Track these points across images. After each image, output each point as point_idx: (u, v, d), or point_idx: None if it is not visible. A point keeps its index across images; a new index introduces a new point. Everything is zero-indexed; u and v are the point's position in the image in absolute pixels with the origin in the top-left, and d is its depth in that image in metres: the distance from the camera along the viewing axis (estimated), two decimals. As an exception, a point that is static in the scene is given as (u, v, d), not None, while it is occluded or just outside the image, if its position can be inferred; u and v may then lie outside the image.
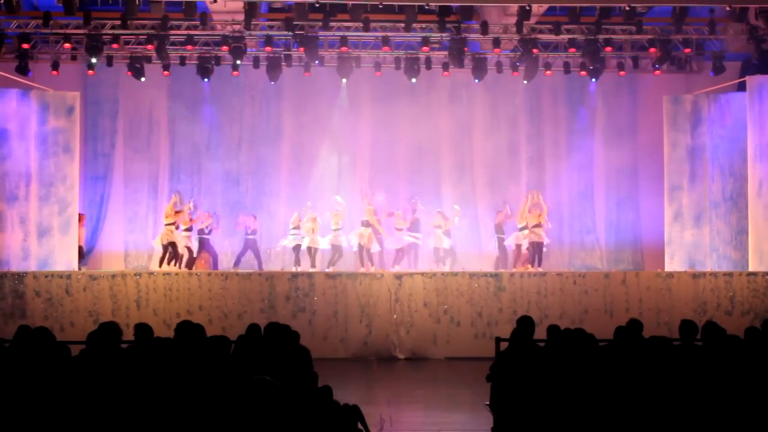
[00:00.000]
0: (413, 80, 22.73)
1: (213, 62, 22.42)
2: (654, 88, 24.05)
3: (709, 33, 21.43)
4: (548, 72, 23.10)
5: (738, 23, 20.61)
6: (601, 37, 21.65)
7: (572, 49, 22.12)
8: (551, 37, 21.81)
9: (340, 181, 24.22)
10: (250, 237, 22.41)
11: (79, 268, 21.61)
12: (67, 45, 21.76)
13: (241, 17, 20.59)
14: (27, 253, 21.99)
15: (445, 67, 22.53)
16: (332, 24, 20.85)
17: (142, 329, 9.14)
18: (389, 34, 21.70)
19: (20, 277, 19.71)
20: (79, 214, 22.69)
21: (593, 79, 23.12)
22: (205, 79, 22.59)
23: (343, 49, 21.79)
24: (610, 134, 24.84)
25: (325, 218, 22.10)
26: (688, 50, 22.25)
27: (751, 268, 21.15)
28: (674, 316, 19.20)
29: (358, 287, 19.91)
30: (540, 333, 9.87)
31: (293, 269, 21.28)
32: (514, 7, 20.20)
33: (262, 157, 24.55)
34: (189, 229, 22.02)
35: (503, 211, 22.98)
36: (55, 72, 22.18)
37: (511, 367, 8.97)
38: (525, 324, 9.51)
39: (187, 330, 9.60)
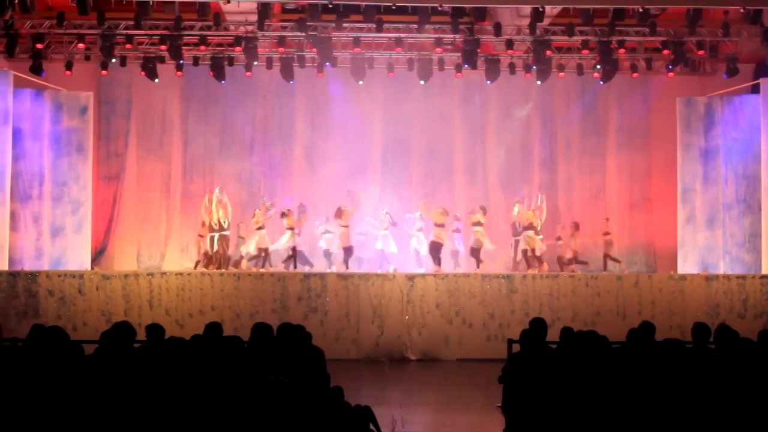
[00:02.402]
0: (422, 82, 22.69)
1: (226, 62, 22.44)
2: (667, 89, 23.99)
3: (723, 35, 21.33)
4: (561, 73, 23.06)
5: (752, 25, 20.53)
6: (614, 38, 21.58)
7: (585, 51, 22.04)
8: (564, 38, 21.75)
9: (352, 182, 24.19)
10: None
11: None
12: (80, 45, 21.81)
13: (254, 18, 20.61)
14: (40, 252, 22.11)
15: (458, 68, 22.50)
16: (345, 25, 20.86)
17: (154, 330, 9.16)
18: (402, 35, 21.71)
19: (33, 276, 19.77)
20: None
21: (601, 82, 23.02)
22: (222, 81, 22.60)
23: (356, 50, 21.79)
24: (622, 136, 24.82)
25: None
26: (701, 52, 22.20)
27: (764, 271, 21.08)
28: (687, 318, 19.15)
29: (370, 288, 19.91)
30: (552, 335, 9.85)
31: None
32: (527, 9, 20.17)
33: (274, 158, 24.59)
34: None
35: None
36: (68, 72, 22.21)
37: (523, 369, 8.96)
38: (537, 326, 9.50)
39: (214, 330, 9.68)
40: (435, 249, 21.71)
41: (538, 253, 22.04)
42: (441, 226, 21.83)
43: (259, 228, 22.03)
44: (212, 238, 21.74)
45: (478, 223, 22.19)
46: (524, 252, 22.15)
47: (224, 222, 21.85)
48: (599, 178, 24.89)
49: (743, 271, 21.52)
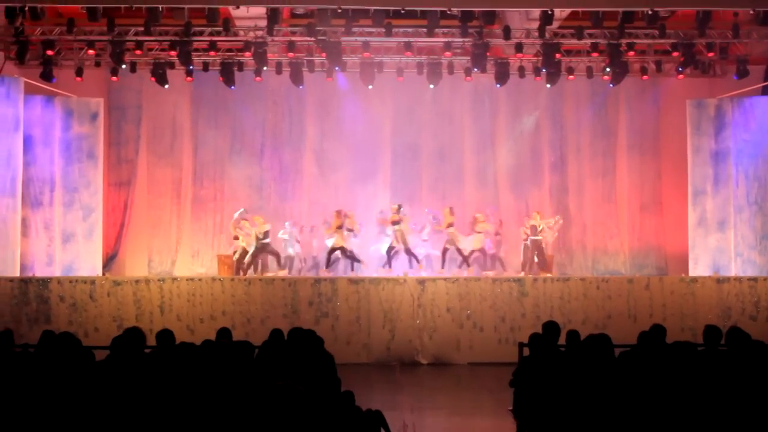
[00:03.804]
0: (431, 86, 22.72)
1: (236, 68, 22.47)
2: (677, 92, 23.95)
3: (733, 37, 21.28)
4: (571, 76, 23.03)
5: (762, 27, 20.48)
6: (623, 41, 21.56)
7: (595, 54, 22.01)
8: (574, 41, 21.74)
9: (362, 187, 24.21)
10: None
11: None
12: (90, 51, 21.87)
13: (263, 23, 20.63)
14: (51, 258, 22.16)
15: (468, 72, 22.50)
16: (354, 29, 20.85)
17: (164, 336, 9.17)
18: (411, 39, 21.72)
19: (45, 282, 19.79)
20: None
21: (611, 84, 23.02)
22: (232, 86, 22.62)
23: (366, 54, 21.81)
24: (633, 138, 24.79)
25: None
26: (711, 54, 22.15)
27: (775, 273, 21.06)
28: (698, 321, 19.07)
29: (381, 292, 19.89)
30: (563, 338, 9.85)
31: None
32: (536, 12, 20.17)
33: (284, 163, 24.62)
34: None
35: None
36: (79, 78, 22.29)
37: (533, 372, 8.95)
38: (551, 329, 9.49)
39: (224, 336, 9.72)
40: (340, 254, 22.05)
41: (465, 253, 22.30)
42: (345, 230, 22.00)
43: (339, 227, 22.07)
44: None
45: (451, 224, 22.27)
46: (454, 251, 22.32)
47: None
48: (610, 181, 24.86)
49: (755, 273, 21.45)
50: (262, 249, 21.77)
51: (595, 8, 19.95)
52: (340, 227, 21.91)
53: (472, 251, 22.54)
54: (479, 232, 22.50)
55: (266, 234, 21.71)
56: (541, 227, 22.35)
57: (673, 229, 24.26)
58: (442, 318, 19.85)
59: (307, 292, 19.77)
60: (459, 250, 22.27)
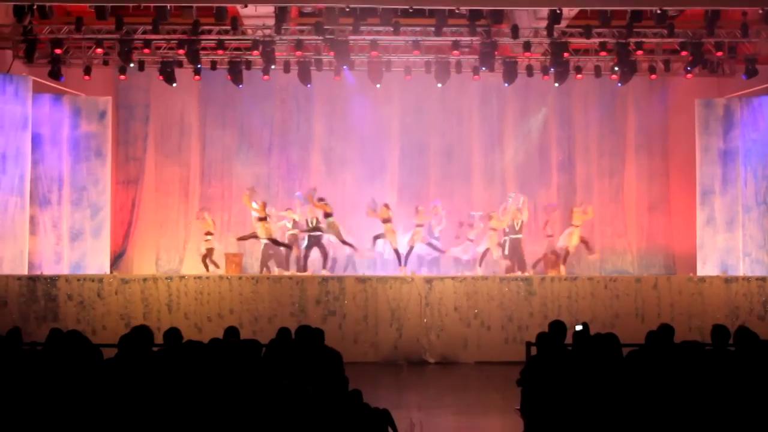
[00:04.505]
0: (439, 85, 22.68)
1: (244, 66, 22.46)
2: (686, 91, 23.90)
3: (742, 36, 21.23)
4: (579, 76, 22.99)
5: (771, 26, 20.47)
6: (632, 40, 21.51)
7: (603, 53, 21.98)
8: (582, 40, 21.70)
9: (370, 185, 24.20)
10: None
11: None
12: (99, 50, 21.87)
13: (271, 22, 20.65)
14: (59, 256, 22.20)
15: (476, 70, 22.47)
16: (362, 28, 20.83)
17: (171, 335, 9.18)
18: (419, 38, 21.70)
19: (53, 280, 19.83)
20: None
21: (619, 84, 22.95)
22: (240, 85, 22.61)
23: (374, 53, 21.80)
24: (641, 138, 24.75)
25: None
26: (720, 53, 22.09)
27: (784, 273, 21.01)
28: (706, 320, 19.04)
29: (389, 291, 19.89)
30: (569, 338, 9.84)
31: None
32: (544, 11, 20.15)
33: (292, 161, 24.63)
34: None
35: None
36: (87, 77, 22.29)
37: (541, 371, 8.95)
38: (557, 328, 9.48)
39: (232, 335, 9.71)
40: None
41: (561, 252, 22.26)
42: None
43: (420, 225, 22.04)
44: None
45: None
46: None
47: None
48: (617, 180, 24.83)
49: (763, 273, 21.39)
50: (315, 243, 21.74)
51: (604, 7, 19.94)
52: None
53: (581, 242, 22.37)
54: (577, 226, 22.32)
55: (317, 226, 21.71)
56: (519, 224, 22.13)
57: (681, 229, 24.21)
58: (449, 317, 19.86)
59: (314, 291, 19.79)
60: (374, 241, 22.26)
